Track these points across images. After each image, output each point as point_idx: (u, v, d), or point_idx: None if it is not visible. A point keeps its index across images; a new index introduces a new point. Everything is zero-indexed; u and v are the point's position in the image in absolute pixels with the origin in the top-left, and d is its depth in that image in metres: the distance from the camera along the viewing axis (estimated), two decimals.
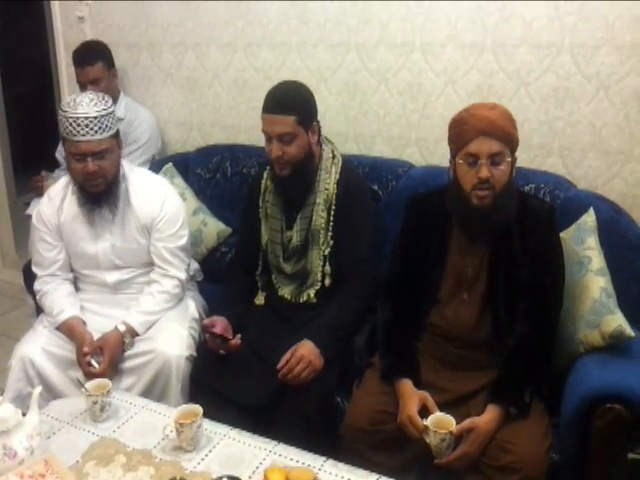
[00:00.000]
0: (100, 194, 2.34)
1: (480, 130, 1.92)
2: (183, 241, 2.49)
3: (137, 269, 2.48)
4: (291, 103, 2.21)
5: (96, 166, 2.26)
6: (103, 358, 2.25)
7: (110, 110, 2.27)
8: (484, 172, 1.91)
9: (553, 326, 2.03)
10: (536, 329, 1.98)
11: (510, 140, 1.95)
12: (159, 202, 2.43)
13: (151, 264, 2.47)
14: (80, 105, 2.20)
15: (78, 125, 2.19)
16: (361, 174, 2.59)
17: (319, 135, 2.34)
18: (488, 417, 1.87)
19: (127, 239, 2.43)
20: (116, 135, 2.33)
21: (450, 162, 2.06)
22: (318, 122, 2.31)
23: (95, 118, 2.21)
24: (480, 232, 2.04)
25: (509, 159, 1.95)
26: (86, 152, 2.24)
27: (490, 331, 2.04)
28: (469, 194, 1.96)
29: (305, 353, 2.14)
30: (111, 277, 2.46)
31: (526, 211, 2.03)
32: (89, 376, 2.19)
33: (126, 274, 2.47)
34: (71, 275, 2.51)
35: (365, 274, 2.32)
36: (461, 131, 1.96)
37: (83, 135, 2.21)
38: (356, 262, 2.31)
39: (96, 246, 2.42)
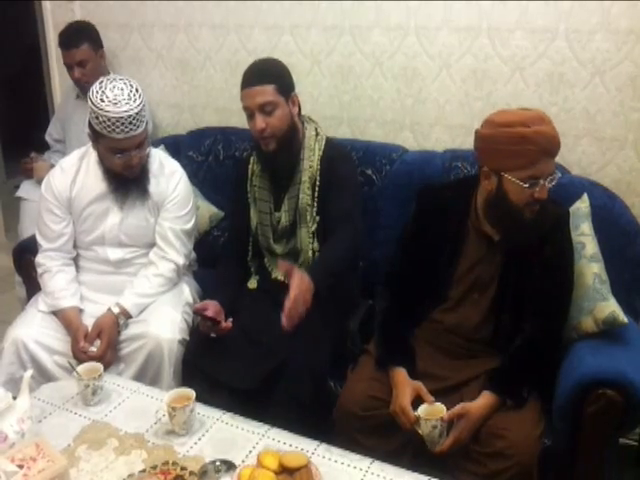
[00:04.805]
0: (135, 178, 2.35)
1: (546, 151, 1.85)
2: (189, 225, 2.50)
3: (140, 249, 2.47)
4: (268, 73, 2.22)
5: (138, 158, 2.28)
6: (101, 341, 2.24)
7: (144, 98, 2.24)
8: (544, 194, 1.87)
9: (560, 332, 2.03)
10: (543, 333, 1.98)
11: None
12: (174, 182, 2.45)
13: (154, 245, 2.47)
14: (121, 102, 2.15)
15: (122, 124, 2.16)
16: (347, 150, 2.55)
17: (299, 108, 2.33)
18: (481, 403, 1.88)
19: (137, 216, 2.42)
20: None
21: (483, 169, 1.95)
22: (296, 95, 2.30)
23: (137, 114, 2.18)
24: (525, 242, 1.97)
25: None
26: (130, 147, 2.23)
27: (491, 331, 2.04)
28: (522, 208, 1.90)
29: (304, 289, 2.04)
30: (114, 254, 2.44)
31: (544, 216, 1.96)
32: (89, 361, 2.15)
33: (129, 253, 2.46)
34: (75, 253, 2.48)
35: (349, 227, 2.25)
36: (524, 150, 1.83)
37: (127, 132, 2.18)
38: (340, 216, 2.26)
39: (105, 221, 2.41)
